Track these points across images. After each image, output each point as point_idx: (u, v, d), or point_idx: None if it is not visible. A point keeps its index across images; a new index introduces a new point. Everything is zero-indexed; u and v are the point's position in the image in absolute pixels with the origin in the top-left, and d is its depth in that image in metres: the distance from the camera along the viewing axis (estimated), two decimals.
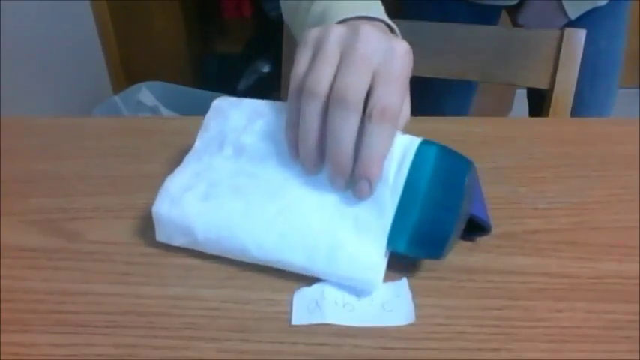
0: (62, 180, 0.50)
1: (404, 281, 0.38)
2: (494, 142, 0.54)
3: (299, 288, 0.38)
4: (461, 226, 0.38)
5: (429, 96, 1.04)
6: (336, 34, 0.38)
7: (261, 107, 0.43)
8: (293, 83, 0.38)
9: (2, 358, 0.33)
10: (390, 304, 0.37)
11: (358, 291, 0.37)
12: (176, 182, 0.41)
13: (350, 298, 0.37)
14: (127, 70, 1.93)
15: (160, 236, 0.41)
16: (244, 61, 2.02)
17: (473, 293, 0.37)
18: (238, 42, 2.12)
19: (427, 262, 0.40)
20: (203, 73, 2.13)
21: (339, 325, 0.35)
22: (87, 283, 0.39)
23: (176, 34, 1.98)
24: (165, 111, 1.63)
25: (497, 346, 0.34)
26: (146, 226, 0.43)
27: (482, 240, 0.42)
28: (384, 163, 0.37)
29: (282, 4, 0.61)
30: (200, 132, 0.44)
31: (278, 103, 0.43)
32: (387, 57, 0.37)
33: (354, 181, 0.37)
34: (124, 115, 1.57)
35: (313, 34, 0.39)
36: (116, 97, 1.59)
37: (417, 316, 0.36)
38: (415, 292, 0.37)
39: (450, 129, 0.56)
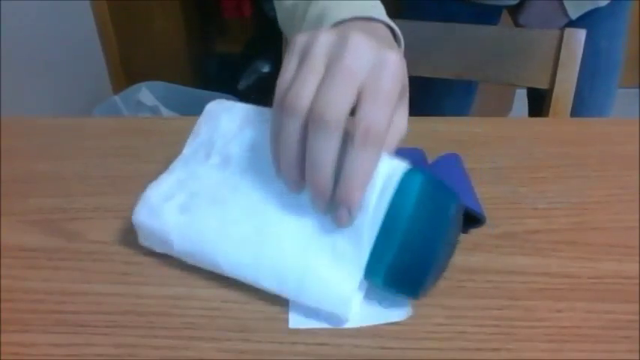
0: (62, 180, 0.50)
1: None
2: (494, 142, 0.54)
3: None
4: (444, 261, 0.37)
5: (429, 96, 1.03)
6: (323, 41, 0.35)
7: (253, 114, 0.41)
8: (277, 94, 0.36)
9: (2, 358, 0.33)
10: (386, 301, 0.37)
11: (329, 317, 0.36)
12: (157, 191, 0.41)
13: None
14: (127, 70, 1.93)
15: (142, 241, 0.41)
16: (244, 61, 2.02)
17: (473, 293, 0.37)
18: (238, 42, 2.12)
19: None
20: (203, 73, 2.12)
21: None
22: (87, 283, 0.39)
23: (176, 34, 1.98)
24: (165, 111, 1.63)
25: (498, 346, 0.34)
26: None
27: (482, 240, 0.42)
28: (366, 189, 0.34)
29: (276, 5, 0.58)
30: (190, 138, 0.43)
31: (271, 110, 0.40)
32: (376, 69, 0.34)
33: (334, 206, 0.35)
34: (124, 115, 1.57)
35: (301, 39, 0.37)
36: (116, 97, 1.59)
37: (417, 316, 0.36)
38: None
39: (450, 129, 0.56)
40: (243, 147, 0.40)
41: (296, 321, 0.36)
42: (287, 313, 0.36)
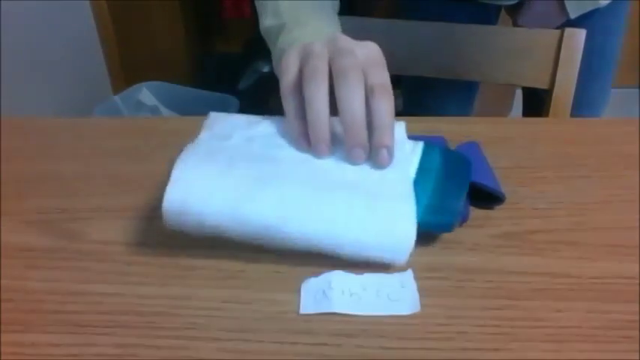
0: (62, 180, 0.50)
1: (409, 272, 0.38)
2: (494, 142, 0.54)
3: (306, 279, 0.38)
4: (466, 207, 0.43)
5: (430, 96, 1.03)
6: (319, 42, 0.43)
7: (256, 118, 0.47)
8: (286, 83, 0.43)
9: (2, 358, 0.33)
10: (396, 294, 0.37)
11: (390, 254, 0.38)
12: (188, 163, 0.40)
13: (356, 289, 0.37)
14: (127, 70, 1.93)
15: (171, 220, 0.38)
16: (244, 61, 2.02)
17: (473, 293, 0.37)
18: (238, 42, 2.12)
19: (427, 262, 0.40)
20: (203, 73, 2.12)
21: (339, 325, 0.35)
22: (87, 283, 0.39)
23: (176, 34, 1.98)
24: (165, 111, 1.63)
25: (498, 347, 0.34)
26: (146, 226, 0.43)
27: (482, 240, 0.42)
28: (397, 146, 0.41)
29: (259, 11, 0.61)
30: (204, 130, 0.45)
31: (270, 117, 0.47)
32: (366, 50, 0.43)
33: (372, 154, 0.41)
34: (124, 115, 1.57)
35: (296, 50, 0.44)
36: (116, 97, 1.59)
37: (417, 316, 0.36)
38: None
39: (450, 129, 0.56)
40: (262, 131, 0.45)
41: (306, 307, 0.36)
42: (287, 313, 0.36)
